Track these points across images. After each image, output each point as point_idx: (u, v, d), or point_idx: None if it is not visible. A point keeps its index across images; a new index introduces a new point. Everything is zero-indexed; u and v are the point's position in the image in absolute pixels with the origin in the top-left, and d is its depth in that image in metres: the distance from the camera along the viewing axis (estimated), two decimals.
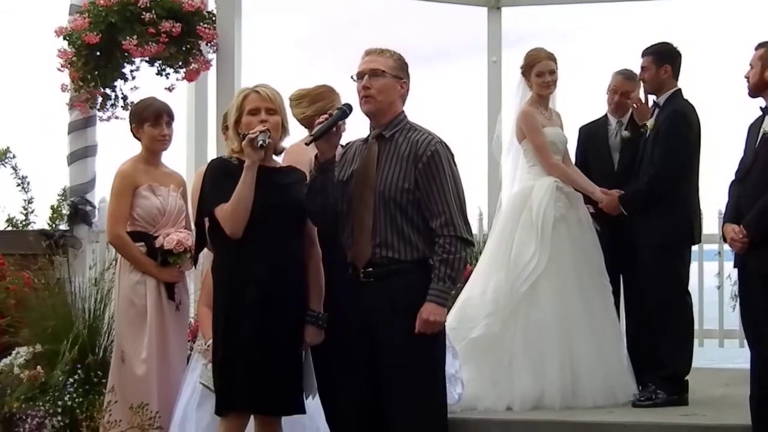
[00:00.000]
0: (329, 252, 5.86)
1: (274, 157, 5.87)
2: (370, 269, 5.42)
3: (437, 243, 5.34)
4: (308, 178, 5.68)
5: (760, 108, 6.70)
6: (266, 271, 5.57)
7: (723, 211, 7.34)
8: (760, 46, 6.73)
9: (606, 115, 8.52)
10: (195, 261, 6.42)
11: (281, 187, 5.70)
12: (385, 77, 5.50)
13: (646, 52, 7.98)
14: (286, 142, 5.99)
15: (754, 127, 6.74)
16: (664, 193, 7.68)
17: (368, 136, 5.58)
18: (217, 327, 5.70)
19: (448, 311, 5.66)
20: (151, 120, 6.64)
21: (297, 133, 6.54)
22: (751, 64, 6.73)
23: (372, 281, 5.41)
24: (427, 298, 5.30)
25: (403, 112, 5.59)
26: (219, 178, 5.69)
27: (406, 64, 5.62)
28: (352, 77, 5.57)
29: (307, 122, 6.78)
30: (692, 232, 7.86)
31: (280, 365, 5.62)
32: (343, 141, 5.73)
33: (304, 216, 5.70)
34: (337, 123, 5.46)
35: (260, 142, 5.52)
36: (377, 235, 5.39)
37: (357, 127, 5.72)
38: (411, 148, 5.41)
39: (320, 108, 6.72)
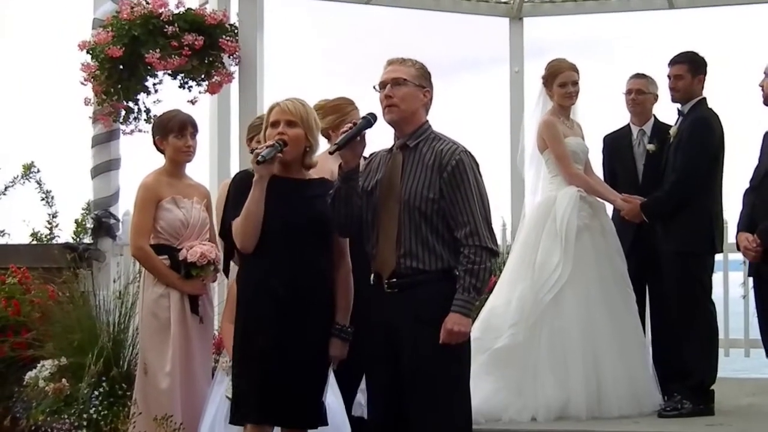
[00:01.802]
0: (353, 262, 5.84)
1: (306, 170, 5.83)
2: (395, 279, 5.39)
3: (462, 253, 5.31)
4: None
5: None
6: (284, 285, 5.52)
7: None
8: None
9: (629, 124, 8.50)
10: (226, 271, 6.39)
11: (305, 200, 5.65)
12: (408, 86, 5.48)
13: (678, 60, 7.93)
14: None
15: None
16: (685, 199, 7.66)
17: (393, 145, 5.57)
18: (235, 340, 5.70)
19: (473, 322, 5.62)
20: (176, 131, 6.63)
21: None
22: (765, 73, 6.70)
23: (396, 291, 5.39)
24: (452, 309, 5.27)
25: (427, 121, 5.57)
26: (238, 191, 5.67)
27: (429, 73, 5.60)
28: (374, 87, 5.56)
29: (323, 134, 6.78)
30: (713, 240, 7.83)
31: (299, 379, 5.57)
32: (367, 151, 5.72)
33: (330, 229, 5.68)
34: (361, 132, 5.45)
35: (259, 158, 5.48)
36: (402, 245, 5.37)
37: (381, 137, 5.71)
38: (436, 158, 5.38)
39: (332, 121, 6.72)
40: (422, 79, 5.54)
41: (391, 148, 5.57)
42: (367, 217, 5.50)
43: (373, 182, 5.53)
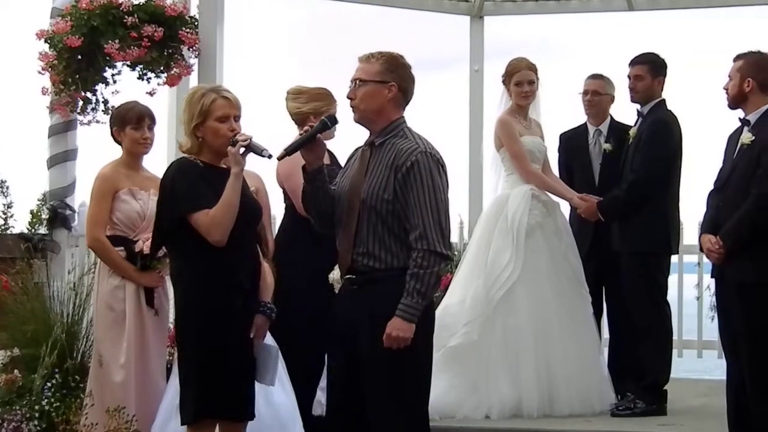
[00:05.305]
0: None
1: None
2: (353, 276, 5.37)
3: (411, 257, 5.23)
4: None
5: (739, 119, 6.72)
6: (247, 277, 5.61)
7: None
8: (738, 57, 6.74)
9: (585, 123, 8.53)
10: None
11: (243, 191, 5.69)
12: (367, 85, 5.34)
13: (639, 61, 7.97)
14: None
15: (733, 137, 6.75)
16: (643, 200, 7.71)
17: (364, 143, 5.51)
18: (192, 335, 5.63)
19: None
20: (134, 123, 6.59)
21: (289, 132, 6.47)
22: (729, 76, 6.74)
23: (355, 288, 5.37)
24: (396, 313, 5.18)
25: (400, 117, 5.42)
26: (194, 180, 5.60)
27: (399, 65, 5.40)
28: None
29: (300, 118, 6.69)
30: (670, 242, 7.89)
31: (251, 373, 5.71)
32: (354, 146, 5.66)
33: (259, 217, 5.80)
34: (315, 136, 5.35)
35: (263, 151, 5.52)
36: (359, 243, 5.32)
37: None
38: (395, 157, 5.27)
39: (316, 108, 6.70)
40: (385, 74, 5.35)
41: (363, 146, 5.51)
42: (339, 215, 5.44)
43: (346, 180, 5.48)
